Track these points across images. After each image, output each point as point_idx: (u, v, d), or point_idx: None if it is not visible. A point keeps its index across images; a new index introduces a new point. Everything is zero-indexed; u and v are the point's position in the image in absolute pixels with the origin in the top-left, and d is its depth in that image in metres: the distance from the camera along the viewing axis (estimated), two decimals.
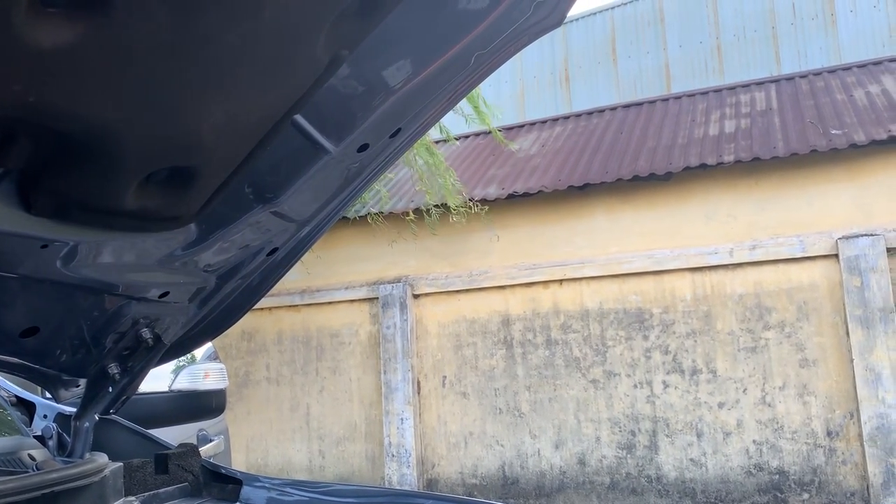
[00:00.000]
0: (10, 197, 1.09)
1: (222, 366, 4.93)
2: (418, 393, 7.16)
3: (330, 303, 7.66)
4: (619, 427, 6.38)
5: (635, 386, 6.36)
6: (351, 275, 7.61)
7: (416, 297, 7.28)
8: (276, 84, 1.07)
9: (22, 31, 0.79)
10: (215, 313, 1.83)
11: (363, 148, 1.42)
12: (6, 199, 1.09)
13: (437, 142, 8.19)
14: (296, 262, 1.79)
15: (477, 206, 6.76)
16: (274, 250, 1.67)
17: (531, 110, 11.68)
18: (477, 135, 8.93)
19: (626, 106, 8.67)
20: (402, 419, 7.08)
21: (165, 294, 1.63)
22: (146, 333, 1.70)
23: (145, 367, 1.78)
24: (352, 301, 7.57)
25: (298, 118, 1.25)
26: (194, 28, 0.88)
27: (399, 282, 7.30)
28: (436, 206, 6.82)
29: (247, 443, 7.80)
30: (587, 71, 11.80)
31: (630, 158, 6.83)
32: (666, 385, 6.25)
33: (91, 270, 1.42)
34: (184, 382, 4.39)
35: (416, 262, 7.35)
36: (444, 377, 7.08)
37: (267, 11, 0.91)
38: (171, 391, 4.32)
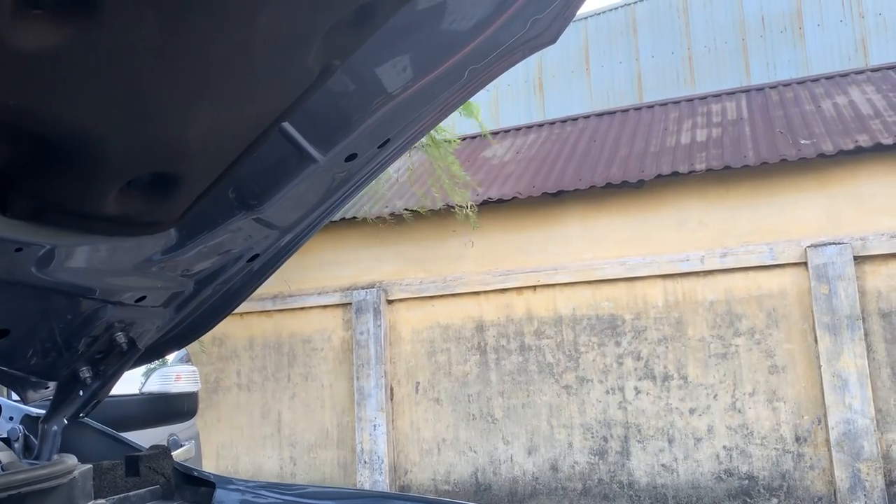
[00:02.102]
0: None
1: (194, 368, 4.87)
2: (391, 399, 7.13)
3: (302, 308, 7.61)
4: (592, 433, 6.41)
5: (607, 392, 6.40)
6: (324, 280, 7.57)
7: (389, 302, 7.26)
8: (266, 92, 1.06)
9: (6, 33, 0.77)
10: (192, 318, 1.80)
11: (351, 157, 1.41)
12: None
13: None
14: (276, 269, 1.77)
15: (462, 208, 6.71)
16: (254, 257, 1.65)
17: (505, 118, 11.73)
18: (448, 142, 8.93)
19: (599, 114, 8.75)
20: (374, 425, 7.04)
21: (142, 298, 1.60)
22: (120, 337, 1.67)
23: (118, 371, 1.75)
24: (325, 307, 7.52)
25: (286, 126, 1.24)
26: (184, 34, 0.86)
27: (373, 287, 7.28)
28: (410, 210, 6.81)
29: (217, 450, 7.70)
30: (561, 79, 11.90)
31: (603, 166, 6.88)
32: (638, 391, 6.30)
33: (66, 274, 1.39)
34: (155, 385, 4.33)
35: (390, 268, 7.33)
36: (418, 383, 7.07)
37: (261, 20, 0.90)
38: (142, 394, 4.25)
